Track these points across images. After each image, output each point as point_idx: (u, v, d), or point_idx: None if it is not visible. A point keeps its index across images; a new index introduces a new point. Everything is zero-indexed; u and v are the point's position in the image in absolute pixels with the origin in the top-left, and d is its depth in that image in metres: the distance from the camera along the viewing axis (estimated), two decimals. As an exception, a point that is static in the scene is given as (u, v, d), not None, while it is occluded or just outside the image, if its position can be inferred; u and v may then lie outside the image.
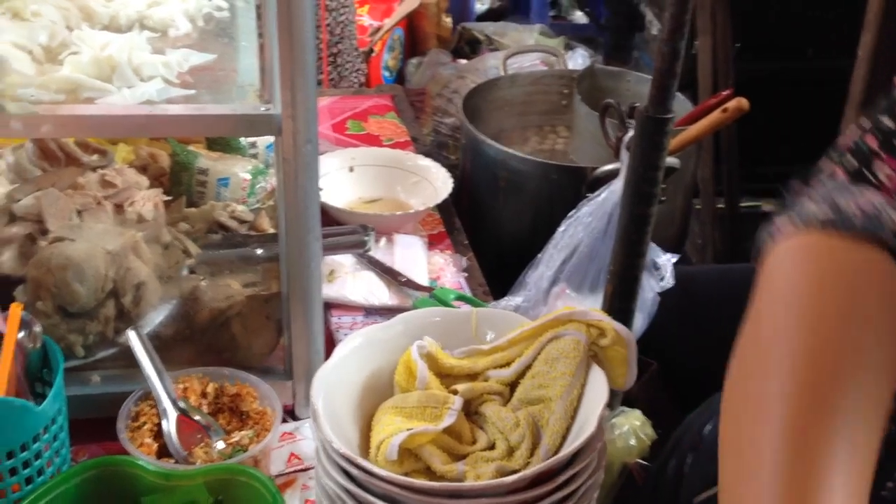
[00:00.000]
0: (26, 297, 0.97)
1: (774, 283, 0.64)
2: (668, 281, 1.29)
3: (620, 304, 1.17)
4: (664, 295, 1.29)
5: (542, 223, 1.49)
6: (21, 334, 0.87)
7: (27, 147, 1.18)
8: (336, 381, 0.79)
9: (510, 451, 0.77)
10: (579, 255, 1.23)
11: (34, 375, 0.91)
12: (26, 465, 0.83)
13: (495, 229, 1.69)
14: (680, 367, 1.36)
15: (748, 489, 0.56)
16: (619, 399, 1.17)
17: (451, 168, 1.83)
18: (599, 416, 0.74)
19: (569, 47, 2.75)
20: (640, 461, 1.08)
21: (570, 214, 1.29)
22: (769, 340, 0.61)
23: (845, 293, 0.61)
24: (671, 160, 1.16)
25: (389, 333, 0.84)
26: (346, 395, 0.80)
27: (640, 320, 1.25)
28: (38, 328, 0.89)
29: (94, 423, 0.96)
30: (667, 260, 1.31)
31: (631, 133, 1.14)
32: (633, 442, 1.06)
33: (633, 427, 1.07)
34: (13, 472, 0.82)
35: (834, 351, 0.58)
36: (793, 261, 0.64)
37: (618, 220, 1.15)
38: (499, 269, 1.50)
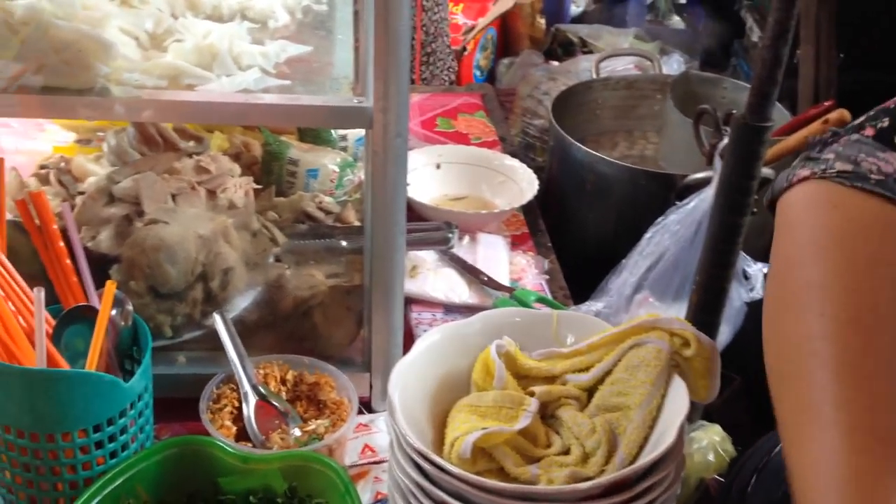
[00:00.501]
0: (120, 277, 1.00)
1: (800, 228, 0.69)
2: (758, 292, 1.26)
3: (705, 315, 1.14)
4: (753, 307, 1.26)
5: (626, 229, 1.47)
6: (113, 312, 0.90)
7: (129, 131, 1.21)
8: (413, 376, 0.79)
9: (585, 458, 0.76)
10: (665, 263, 1.21)
11: (124, 352, 0.93)
12: (112, 439, 0.86)
13: (579, 233, 1.67)
14: (764, 383, 1.32)
15: (810, 420, 0.61)
16: (700, 413, 1.14)
17: (537, 170, 1.82)
18: (679, 428, 0.72)
19: (664, 52, 2.70)
20: (718, 477, 1.05)
21: (657, 221, 1.26)
22: (804, 284, 0.65)
23: (869, 239, 0.65)
24: (766, 171, 1.12)
25: (468, 331, 0.84)
26: (423, 391, 0.80)
27: (726, 332, 1.22)
28: (129, 307, 0.92)
29: (177, 403, 0.99)
30: (758, 270, 1.27)
31: (726, 141, 1.11)
32: (711, 457, 1.03)
33: (712, 442, 1.04)
34: (99, 445, 0.85)
35: (869, 290, 0.63)
36: (813, 206, 0.68)
37: (707, 229, 1.13)
38: (580, 274, 1.49)
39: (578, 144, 1.65)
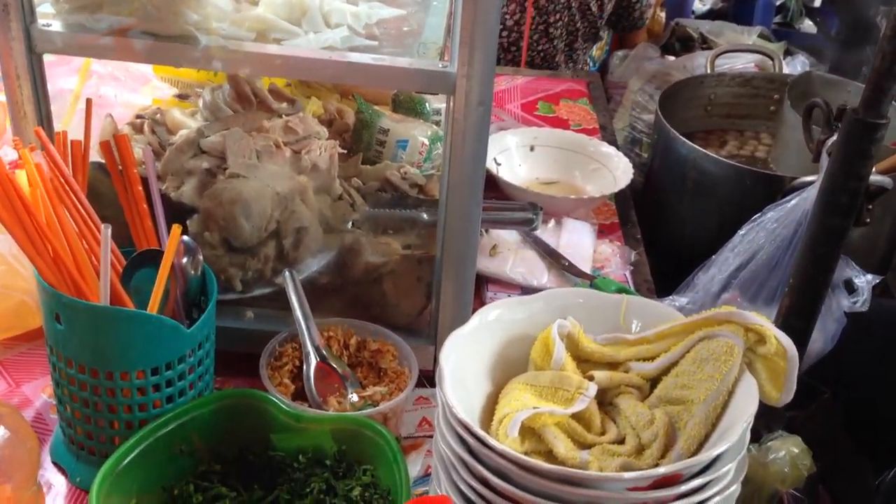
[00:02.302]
0: (196, 227, 1.01)
1: None
2: (864, 305, 1.17)
3: (796, 321, 1.07)
4: (854, 319, 1.17)
5: (726, 230, 1.39)
6: (185, 260, 0.91)
7: (224, 88, 1.23)
8: (469, 348, 0.76)
9: (640, 449, 0.72)
10: (757, 263, 1.14)
11: (192, 301, 0.94)
12: (169, 383, 0.87)
13: (675, 230, 1.60)
14: (859, 401, 1.23)
15: None
16: (782, 423, 1.08)
17: (641, 167, 1.76)
18: (743, 428, 0.67)
19: (789, 54, 2.58)
20: (794, 492, 0.98)
21: (753, 218, 1.19)
22: None
23: None
24: (882, 179, 1.04)
25: (531, 308, 0.81)
26: (478, 364, 0.77)
27: (820, 342, 1.14)
28: (200, 256, 0.92)
29: (241, 358, 0.99)
30: (866, 282, 1.19)
31: (835, 137, 1.04)
32: (787, 469, 0.97)
33: (790, 454, 0.98)
34: (156, 388, 0.86)
35: None
36: None
37: (806, 230, 1.06)
38: (671, 271, 1.42)
39: (683, 139, 1.58)
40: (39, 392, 1.00)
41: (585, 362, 0.79)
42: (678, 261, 1.45)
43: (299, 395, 0.95)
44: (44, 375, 1.02)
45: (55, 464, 0.92)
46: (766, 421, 1.08)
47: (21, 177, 0.79)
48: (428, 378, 1.05)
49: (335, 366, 0.96)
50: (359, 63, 0.90)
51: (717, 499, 0.66)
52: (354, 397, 0.95)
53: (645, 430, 0.72)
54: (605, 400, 0.78)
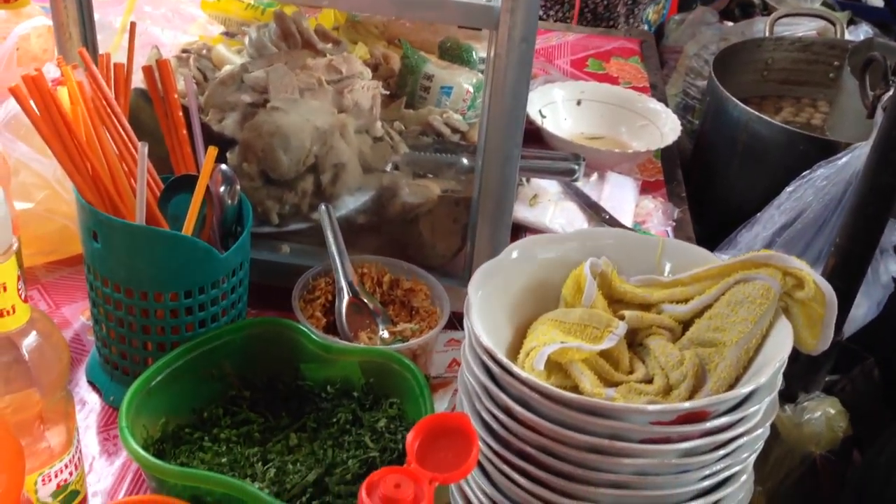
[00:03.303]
0: (235, 159, 1.01)
1: None
2: (918, 270, 1.14)
3: (840, 282, 1.05)
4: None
5: (775, 196, 1.36)
6: (222, 188, 0.91)
7: (270, 27, 1.22)
8: (499, 280, 0.75)
9: (667, 390, 0.71)
10: (804, 221, 1.11)
11: (227, 230, 0.94)
12: (202, 308, 0.87)
13: (722, 193, 1.57)
14: (902, 370, 1.20)
15: None
16: (820, 385, 1.06)
17: (691, 134, 1.72)
18: (775, 369, 0.66)
19: (852, 23, 2.50)
20: (827, 454, 0.96)
21: (802, 174, 1.16)
22: None
23: None
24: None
25: (564, 247, 0.80)
26: (507, 297, 0.76)
27: (864, 307, 1.11)
28: (237, 186, 0.93)
29: (275, 291, 0.99)
30: (917, 246, 1.15)
31: (892, 92, 1.00)
32: (822, 431, 0.95)
33: (826, 415, 0.96)
34: (189, 311, 0.87)
35: None
36: None
37: (856, 189, 1.03)
38: (715, 233, 1.40)
39: (735, 100, 1.54)
40: (78, 314, 1.02)
41: (617, 303, 0.78)
42: (723, 225, 1.43)
43: (330, 329, 0.95)
44: (83, 299, 1.03)
45: (90, 383, 0.93)
46: (804, 383, 1.06)
47: (63, 94, 0.80)
48: (459, 321, 1.04)
49: (367, 301, 0.96)
50: (400, -7, 0.89)
51: (744, 439, 0.65)
52: (385, 333, 0.95)
53: (674, 371, 0.71)
54: (635, 341, 0.76)
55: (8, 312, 0.60)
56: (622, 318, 0.75)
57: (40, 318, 0.64)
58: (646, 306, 0.77)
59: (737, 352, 0.70)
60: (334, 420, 0.85)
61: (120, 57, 0.91)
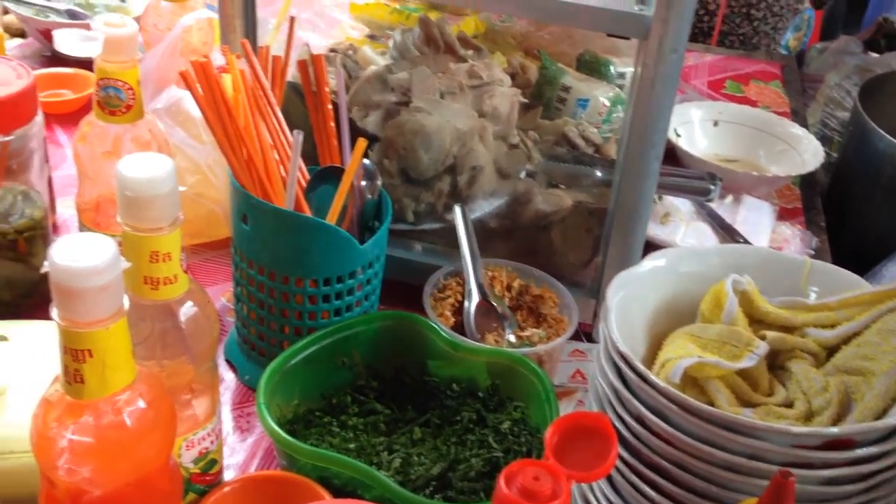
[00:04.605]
0: (376, 155, 1.04)
1: None
2: None
3: None
4: None
5: (922, 233, 1.31)
6: (364, 183, 0.94)
7: (414, 31, 1.25)
8: (637, 288, 0.75)
9: (809, 416, 0.68)
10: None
11: (365, 224, 0.97)
12: (338, 296, 0.90)
13: (861, 226, 1.51)
14: None
15: None
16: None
17: (828, 166, 1.66)
18: (929, 403, 0.63)
19: None
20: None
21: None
22: None
23: None
24: None
25: (706, 261, 0.78)
26: (643, 307, 0.75)
27: None
28: (378, 181, 0.95)
29: (405, 289, 1.01)
30: None
31: None
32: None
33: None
34: (326, 299, 0.89)
35: None
36: None
37: None
38: (850, 267, 1.34)
39: (881, 132, 1.48)
40: (219, 296, 1.06)
41: (758, 323, 0.76)
42: (861, 259, 1.37)
43: (458, 329, 0.96)
44: (224, 282, 1.08)
45: (227, 361, 0.97)
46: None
47: (226, 81, 0.84)
48: (586, 333, 1.04)
49: (496, 305, 0.97)
50: (551, 0, 0.90)
51: (891, 472, 0.62)
52: (512, 337, 0.95)
53: (817, 397, 0.69)
54: (776, 363, 0.74)
55: (170, 281, 0.63)
56: (763, 338, 0.73)
57: (197, 289, 0.67)
58: (788, 329, 0.75)
59: (886, 382, 0.67)
60: (458, 418, 0.85)
61: (275, 50, 0.95)
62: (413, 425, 0.86)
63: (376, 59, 1.24)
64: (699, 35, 2.08)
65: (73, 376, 0.53)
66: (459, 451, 0.81)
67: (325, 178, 0.92)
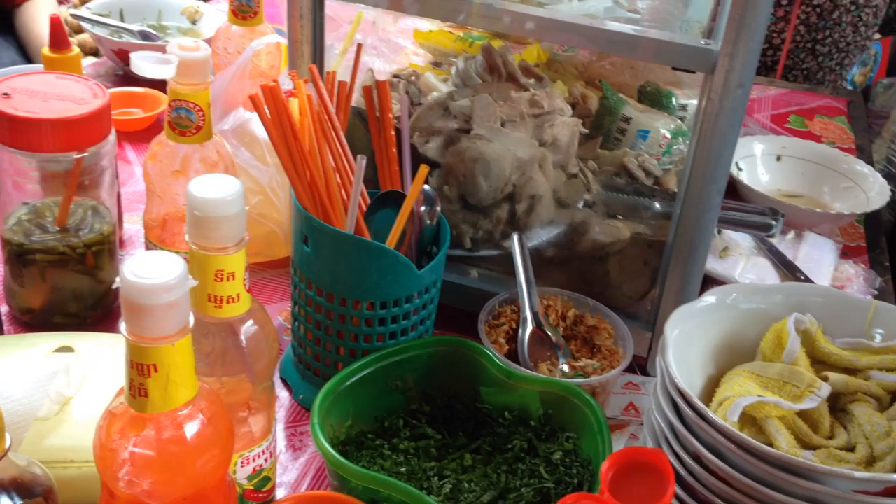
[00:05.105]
0: (436, 181, 1.04)
1: None
2: None
3: None
4: None
5: None
6: (423, 209, 0.95)
7: (477, 59, 1.26)
8: (695, 324, 0.74)
9: (871, 460, 0.67)
10: None
11: (423, 250, 0.97)
12: (394, 320, 0.90)
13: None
14: None
15: None
16: None
17: (892, 205, 1.63)
18: None
19: None
20: None
21: None
22: None
23: None
24: None
25: (767, 299, 0.77)
26: (702, 342, 0.75)
27: None
28: (438, 207, 0.96)
29: (459, 315, 1.02)
30: None
31: None
32: None
33: None
34: (382, 322, 0.90)
35: None
36: None
37: None
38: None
39: (949, 170, 1.45)
40: (276, 315, 1.08)
41: (820, 363, 0.75)
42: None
43: (511, 356, 0.96)
44: (281, 301, 1.09)
45: (282, 379, 0.98)
46: None
47: (293, 105, 0.85)
48: (640, 366, 1.03)
49: (550, 334, 0.97)
50: (616, 32, 0.90)
51: (957, 523, 0.60)
52: (566, 367, 0.95)
53: (880, 441, 0.67)
54: (838, 405, 0.73)
55: (234, 299, 0.64)
56: (825, 379, 0.72)
57: (258, 308, 0.68)
58: (851, 371, 0.74)
59: (953, 429, 0.65)
60: (509, 446, 0.85)
61: (340, 74, 0.96)
62: (464, 451, 0.86)
63: (439, 86, 1.25)
64: (763, 69, 2.06)
65: (137, 390, 0.54)
66: (510, 480, 0.81)
67: (385, 202, 0.93)
